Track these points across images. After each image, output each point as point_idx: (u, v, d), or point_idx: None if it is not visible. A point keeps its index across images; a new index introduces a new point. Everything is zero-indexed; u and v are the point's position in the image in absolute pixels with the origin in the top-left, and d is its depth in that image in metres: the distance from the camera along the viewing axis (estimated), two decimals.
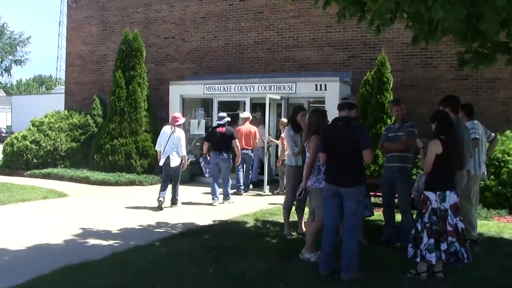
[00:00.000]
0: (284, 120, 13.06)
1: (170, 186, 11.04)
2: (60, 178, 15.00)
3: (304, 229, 8.32)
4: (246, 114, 13.89)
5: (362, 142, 6.03)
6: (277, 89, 14.48)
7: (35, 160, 16.06)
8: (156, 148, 11.15)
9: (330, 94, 13.84)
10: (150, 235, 8.03)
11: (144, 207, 10.86)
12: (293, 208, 8.44)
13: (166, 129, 10.90)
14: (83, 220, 9.17)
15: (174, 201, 10.99)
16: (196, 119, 15.97)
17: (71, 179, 14.79)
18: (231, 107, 15.90)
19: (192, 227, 8.82)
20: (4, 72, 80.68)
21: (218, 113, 12.45)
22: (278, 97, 14.27)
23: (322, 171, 6.73)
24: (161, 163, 10.85)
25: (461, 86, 13.74)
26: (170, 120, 11.25)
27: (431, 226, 6.00)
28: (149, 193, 13.05)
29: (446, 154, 5.99)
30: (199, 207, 11.27)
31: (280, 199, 11.99)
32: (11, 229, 8.29)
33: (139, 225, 8.85)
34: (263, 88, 14.65)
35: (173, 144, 10.69)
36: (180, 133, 10.83)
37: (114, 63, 16.17)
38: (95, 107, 17.40)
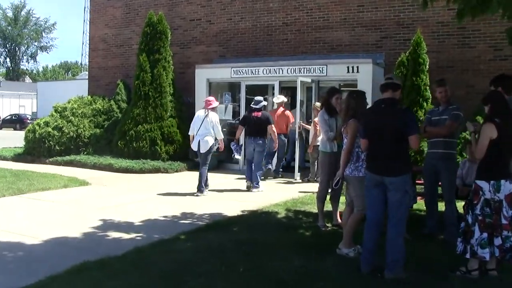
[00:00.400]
0: (318, 104, 12.43)
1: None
2: (83, 165, 14.61)
3: (339, 220, 7.77)
4: (281, 98, 13.41)
5: (410, 126, 5.39)
6: (307, 71, 13.84)
7: (57, 147, 15.67)
8: (189, 133, 10.83)
9: (363, 76, 13.19)
10: (175, 228, 7.52)
11: (169, 195, 10.42)
12: (327, 197, 7.86)
13: (199, 113, 10.70)
14: (104, 210, 8.71)
15: (200, 188, 10.57)
16: (223, 104, 15.41)
17: (94, 166, 14.39)
18: (259, 91, 15.29)
19: (220, 218, 8.28)
20: (30, 58, 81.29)
21: (254, 97, 11.84)
22: (308, 80, 13.63)
23: (362, 158, 6.16)
24: (193, 146, 10.61)
25: (500, 67, 12.89)
26: (204, 104, 10.94)
27: (484, 219, 5.36)
28: (174, 180, 12.62)
29: (501, 139, 5.33)
30: (227, 194, 10.84)
31: (311, 186, 11.61)
32: (28, 221, 7.83)
33: (164, 216, 8.34)
34: (292, 71, 14.02)
35: (205, 129, 10.39)
36: (214, 116, 10.55)
37: (138, 46, 15.68)
38: (119, 92, 16.96)
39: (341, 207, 7.72)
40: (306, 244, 6.70)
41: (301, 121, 13.23)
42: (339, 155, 7.56)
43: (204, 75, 15.33)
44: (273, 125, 11.40)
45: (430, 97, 12.14)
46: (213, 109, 10.71)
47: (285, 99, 13.54)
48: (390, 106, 5.57)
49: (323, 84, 14.16)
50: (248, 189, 11.24)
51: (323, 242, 6.83)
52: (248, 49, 15.96)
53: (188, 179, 12.89)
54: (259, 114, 11.24)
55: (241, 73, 14.69)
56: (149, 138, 14.65)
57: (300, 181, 12.78)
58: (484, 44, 13.27)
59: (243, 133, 12.12)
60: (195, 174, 12.75)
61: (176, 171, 14.10)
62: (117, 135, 15.31)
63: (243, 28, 16.05)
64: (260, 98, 11.60)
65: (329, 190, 7.73)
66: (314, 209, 8.88)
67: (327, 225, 7.78)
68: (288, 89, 14.94)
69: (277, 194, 10.62)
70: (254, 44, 15.88)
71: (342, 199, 7.55)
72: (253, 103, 11.65)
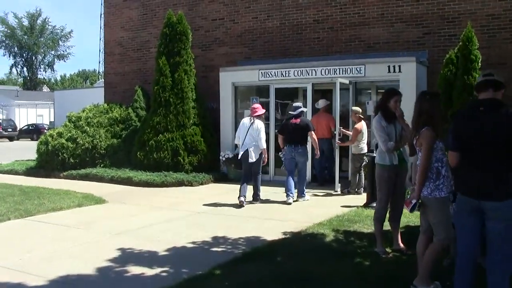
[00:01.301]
0: (358, 109, 11.25)
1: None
2: (100, 179, 13.45)
3: (401, 244, 6.60)
4: (323, 101, 12.86)
5: None
6: (343, 72, 12.57)
7: (72, 160, 14.53)
8: (235, 142, 10.73)
9: (406, 76, 11.93)
10: (207, 258, 6.28)
11: (196, 214, 9.22)
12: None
13: (245, 121, 10.39)
14: (123, 236, 7.47)
15: (255, 197, 10.41)
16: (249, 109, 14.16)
17: (112, 180, 13.22)
18: (290, 94, 14.13)
19: (259, 244, 7.01)
20: (47, 67, 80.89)
21: (293, 102, 11.39)
22: (346, 81, 12.35)
23: (443, 174, 4.94)
24: (240, 156, 10.30)
25: None
26: (249, 111, 10.66)
27: None
28: (200, 195, 11.41)
29: None
30: (262, 210, 9.61)
31: (353, 200, 10.56)
32: (33, 253, 6.59)
33: (192, 242, 7.07)
34: (327, 72, 12.77)
35: (252, 137, 10.07)
36: (259, 124, 10.17)
37: (156, 49, 14.53)
38: (137, 99, 15.78)
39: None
40: (370, 278, 5.48)
41: (341, 127, 11.96)
42: (399, 169, 6.50)
43: (229, 78, 14.14)
44: (313, 132, 10.65)
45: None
46: (259, 116, 10.31)
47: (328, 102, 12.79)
48: (493, 109, 4.28)
49: (360, 86, 12.96)
50: (286, 202, 10.35)
51: (389, 275, 5.58)
52: (276, 49, 14.72)
53: (215, 192, 11.74)
54: (298, 120, 10.53)
55: (270, 75, 13.48)
56: (170, 148, 13.47)
57: (340, 193, 11.53)
58: None
59: None
60: (222, 187, 11.85)
61: (201, 184, 12.91)
62: (136, 145, 14.14)
63: (270, 27, 14.81)
64: (298, 104, 10.95)
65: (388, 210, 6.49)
66: (365, 229, 7.77)
67: (387, 250, 6.52)
68: (322, 92, 13.72)
69: (318, 210, 9.44)
70: (282, 44, 14.64)
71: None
72: (291, 109, 10.96)
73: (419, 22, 12.99)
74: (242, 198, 9.98)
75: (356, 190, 11.35)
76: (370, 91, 13.38)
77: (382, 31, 13.37)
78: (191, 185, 12.67)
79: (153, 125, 13.75)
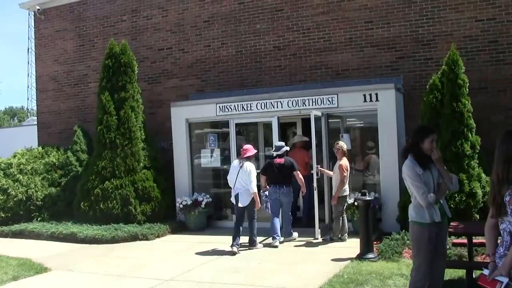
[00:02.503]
0: (342, 143, 9.94)
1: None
2: (37, 236, 11.43)
3: None
4: (299, 137, 12.30)
5: None
6: (313, 103, 11.29)
7: (2, 214, 12.41)
8: (230, 184, 10.01)
9: (384, 105, 10.83)
10: None
11: (165, 284, 7.50)
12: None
13: (234, 163, 10.01)
14: None
15: (252, 243, 9.80)
16: (207, 148, 12.63)
17: (52, 236, 11.25)
18: (252, 130, 12.70)
19: None
20: None
21: (275, 143, 10.84)
22: (319, 113, 11.01)
23: None
24: (232, 199, 9.90)
25: None
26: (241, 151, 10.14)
27: None
28: (160, 253, 9.72)
29: None
30: (248, 271, 8.07)
31: (340, 249, 9.24)
32: None
33: None
34: (294, 104, 11.47)
35: (242, 180, 9.62)
36: (249, 166, 9.72)
37: (98, 84, 12.78)
38: (77, 140, 13.86)
39: None
40: None
41: (318, 166, 10.59)
42: (441, 226, 5.27)
43: (182, 114, 12.56)
44: (299, 172, 10.27)
45: (475, 126, 9.76)
46: (249, 158, 9.85)
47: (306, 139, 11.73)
48: None
49: (332, 119, 11.60)
50: (271, 244, 9.92)
51: None
52: (232, 80, 13.27)
53: (177, 248, 10.10)
54: (282, 160, 10.22)
55: (229, 109, 12.02)
56: (119, 197, 11.67)
57: (321, 240, 10.12)
58: None
59: None
60: (183, 240, 10.72)
61: (158, 236, 11.18)
62: (78, 194, 12.21)
63: (225, 55, 13.37)
64: (281, 143, 10.51)
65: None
66: None
67: None
68: (288, 126, 12.42)
69: (308, 267, 8.04)
70: (239, 74, 13.20)
71: None
72: (274, 149, 10.54)
73: (391, 46, 11.89)
74: (234, 248, 9.40)
75: (339, 236, 9.97)
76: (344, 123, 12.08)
77: (351, 56, 12.19)
78: (147, 239, 10.91)
79: (98, 171, 11.92)
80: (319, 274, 7.54)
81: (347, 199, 10.09)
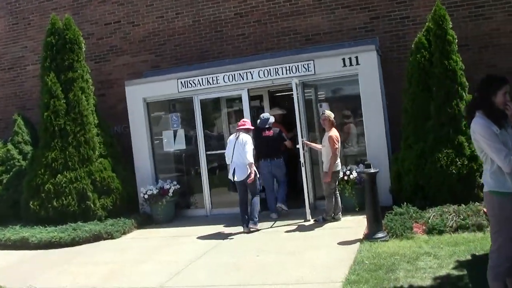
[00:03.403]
0: (330, 112, 8.92)
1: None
2: None
3: None
4: (276, 110, 11.28)
5: None
6: (288, 71, 10.24)
7: None
8: (226, 162, 9.48)
9: (366, 69, 9.93)
10: None
11: None
12: None
13: (230, 138, 9.48)
14: None
15: (252, 221, 9.03)
16: (170, 130, 11.33)
17: None
18: (220, 106, 11.49)
19: None
20: None
21: (261, 114, 10.35)
22: (296, 81, 9.92)
23: None
24: (230, 176, 9.26)
25: None
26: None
27: None
28: (133, 253, 8.48)
29: None
30: (248, 264, 6.93)
31: (341, 230, 8.43)
32: None
33: None
34: (266, 73, 10.37)
35: (238, 153, 9.08)
36: (245, 137, 9.16)
37: (40, 65, 11.17)
38: (18, 131, 12.16)
39: None
40: None
41: (303, 139, 9.55)
42: None
43: (138, 93, 11.17)
44: (288, 141, 10.23)
45: (468, 85, 8.96)
46: (247, 130, 9.34)
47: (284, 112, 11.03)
48: None
49: (308, 88, 10.54)
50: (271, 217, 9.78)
51: None
52: (191, 53, 11.97)
53: (149, 245, 8.88)
54: (271, 132, 9.99)
55: (193, 84, 10.77)
56: (75, 191, 10.21)
57: (313, 222, 9.14)
58: (503, 13, 10.41)
59: None
60: (153, 235, 9.82)
61: (124, 233, 9.85)
62: (25, 192, 10.62)
63: (181, 26, 12.03)
64: (266, 114, 10.19)
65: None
66: (419, 279, 5.49)
67: None
68: (261, 99, 11.35)
69: (317, 255, 7.07)
70: (198, 46, 11.92)
71: None
72: (259, 122, 10.09)
73: (364, 6, 10.98)
74: (245, 229, 8.99)
75: (333, 216, 9.00)
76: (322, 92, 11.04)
77: (321, 19, 11.17)
78: (112, 237, 9.55)
79: (48, 163, 10.38)
80: (333, 262, 6.55)
81: (339, 174, 9.13)
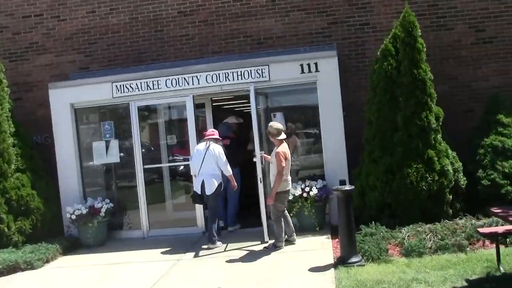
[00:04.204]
0: (277, 125, 7.97)
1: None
2: None
3: None
4: (232, 118, 10.50)
5: None
6: (239, 76, 9.31)
7: None
8: (191, 173, 9.00)
9: (326, 76, 9.22)
10: None
11: None
12: None
13: (199, 147, 8.73)
14: None
15: (211, 239, 8.37)
16: (101, 141, 9.93)
17: None
18: (156, 115, 10.25)
19: None
20: None
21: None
22: (252, 87, 8.89)
23: None
24: (196, 188, 8.60)
25: (485, 51, 10.04)
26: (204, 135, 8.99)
27: None
28: (55, 286, 7.03)
29: None
30: None
31: (300, 253, 7.61)
32: None
33: None
34: (215, 79, 9.37)
35: (208, 165, 8.45)
36: (217, 148, 8.56)
37: None
38: None
39: None
40: None
41: (262, 152, 8.56)
42: None
43: (65, 98, 9.75)
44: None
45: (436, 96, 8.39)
46: (216, 140, 8.68)
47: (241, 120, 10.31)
48: None
49: (262, 95, 9.56)
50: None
51: None
52: (126, 54, 10.60)
53: (84, 277, 7.48)
54: (227, 141, 9.56)
55: (130, 89, 9.54)
56: None
57: (263, 249, 8.07)
58: (464, 24, 10.01)
59: None
60: (85, 261, 8.42)
61: (47, 262, 8.33)
62: None
63: (116, 23, 10.64)
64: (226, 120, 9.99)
65: None
66: None
67: None
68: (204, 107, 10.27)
69: (285, 284, 6.16)
70: (135, 47, 10.59)
71: None
72: (221, 129, 9.58)
73: (321, 10, 10.20)
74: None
75: (288, 238, 8.09)
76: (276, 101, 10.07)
77: (275, 22, 10.26)
78: (32, 268, 7.96)
79: None
80: None
81: (290, 193, 8.23)
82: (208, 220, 8.60)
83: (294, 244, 8.02)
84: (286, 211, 8.10)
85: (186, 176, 10.05)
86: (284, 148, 7.86)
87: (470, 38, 9.97)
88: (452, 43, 9.98)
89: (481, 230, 6.21)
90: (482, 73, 9.96)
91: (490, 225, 7.09)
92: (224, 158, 8.48)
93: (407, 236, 7.27)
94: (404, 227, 7.63)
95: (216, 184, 8.41)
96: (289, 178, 7.99)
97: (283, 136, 7.91)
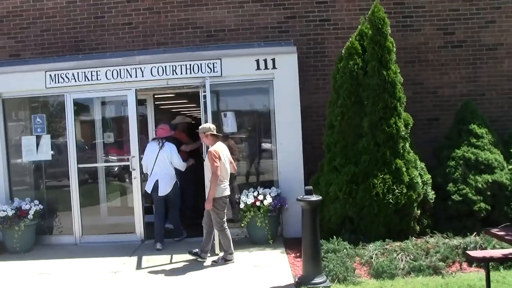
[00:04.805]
0: (204, 126, 7.24)
1: None
2: None
3: None
4: (181, 118, 10.05)
5: None
6: (188, 70, 8.53)
7: None
8: (144, 171, 8.44)
9: (283, 74, 8.51)
10: None
11: None
12: None
13: (151, 146, 8.26)
14: None
15: (178, 233, 8.39)
16: (32, 136, 8.83)
17: None
18: (94, 109, 9.20)
19: None
20: None
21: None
22: (206, 82, 8.00)
23: None
24: (148, 189, 8.19)
25: (453, 56, 9.47)
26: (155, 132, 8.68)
27: None
28: None
29: None
30: None
31: (254, 269, 6.68)
32: None
33: None
34: (161, 71, 8.47)
35: (162, 164, 8.09)
36: (170, 146, 8.21)
37: None
38: None
39: None
40: None
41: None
42: None
43: None
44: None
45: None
46: (168, 138, 8.33)
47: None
48: None
49: (215, 88, 8.62)
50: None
51: None
52: (62, 41, 9.48)
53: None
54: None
55: (66, 79, 8.53)
56: None
57: (210, 263, 7.19)
58: (432, 25, 9.44)
59: None
60: (9, 269, 7.32)
61: None
62: None
63: (51, 8, 9.50)
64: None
65: None
66: None
67: None
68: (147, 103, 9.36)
69: None
70: (72, 34, 9.48)
71: None
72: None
73: (278, 3, 9.40)
74: (158, 245, 7.89)
75: (199, 253, 7.28)
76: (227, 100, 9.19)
77: (227, 14, 9.39)
78: None
79: None
80: None
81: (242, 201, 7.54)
82: (172, 217, 8.41)
83: (232, 261, 7.15)
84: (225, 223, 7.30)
85: (124, 177, 9.19)
86: (217, 148, 7.11)
87: (438, 40, 9.39)
88: (418, 46, 9.38)
89: (471, 253, 5.35)
90: (449, 79, 9.38)
91: (467, 246, 6.42)
92: (177, 155, 8.19)
93: (375, 254, 6.51)
94: (369, 243, 6.89)
95: (171, 185, 8.08)
96: (227, 182, 7.19)
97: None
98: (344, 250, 6.71)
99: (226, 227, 7.14)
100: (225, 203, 7.18)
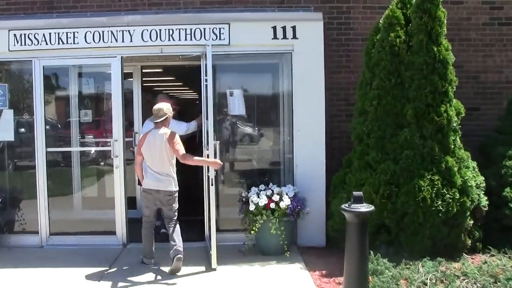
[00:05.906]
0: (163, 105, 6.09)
1: None
2: None
3: None
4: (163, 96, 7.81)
5: None
6: (189, 36, 6.80)
7: None
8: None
9: (306, 45, 6.94)
10: None
11: None
12: None
13: (149, 124, 6.50)
14: None
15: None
16: None
17: None
18: (68, 79, 7.54)
19: None
20: None
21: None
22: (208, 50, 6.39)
23: None
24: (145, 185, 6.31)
25: (500, 35, 7.97)
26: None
27: None
28: None
29: None
30: None
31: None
32: None
33: None
34: (154, 36, 6.86)
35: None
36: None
37: None
38: None
39: None
40: None
41: (217, 141, 6.24)
42: None
43: None
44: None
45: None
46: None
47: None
48: None
49: (220, 62, 6.97)
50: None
51: None
52: None
53: None
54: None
55: (35, 41, 6.84)
56: None
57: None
58: None
59: None
60: None
61: None
62: None
63: None
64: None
65: None
66: None
67: None
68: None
69: None
70: None
71: None
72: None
73: None
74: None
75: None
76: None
77: None
78: None
79: None
80: None
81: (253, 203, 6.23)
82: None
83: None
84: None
85: (102, 164, 7.64)
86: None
87: (483, 16, 7.92)
88: (459, 22, 7.84)
89: None
90: (493, 62, 7.92)
91: None
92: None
93: (428, 279, 5.06)
94: (415, 261, 5.48)
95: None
96: (150, 171, 5.99)
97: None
98: (387, 271, 5.25)
99: (147, 227, 6.05)
100: (147, 198, 6.03)
